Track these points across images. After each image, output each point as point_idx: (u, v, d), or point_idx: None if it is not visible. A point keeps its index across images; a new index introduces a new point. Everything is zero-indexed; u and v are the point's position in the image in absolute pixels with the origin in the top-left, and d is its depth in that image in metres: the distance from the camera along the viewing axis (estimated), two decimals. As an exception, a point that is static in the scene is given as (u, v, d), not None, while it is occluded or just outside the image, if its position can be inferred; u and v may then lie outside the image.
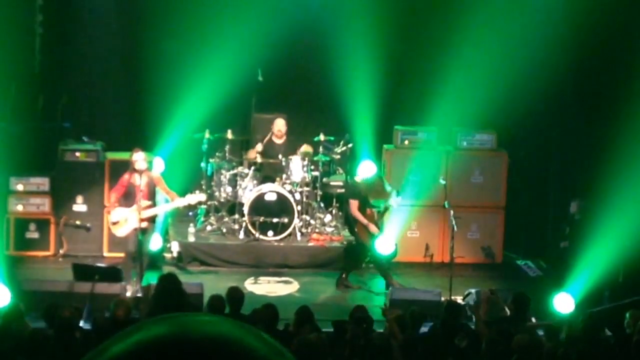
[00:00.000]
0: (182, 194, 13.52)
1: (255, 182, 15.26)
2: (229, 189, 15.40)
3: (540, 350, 9.17)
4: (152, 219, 13.23)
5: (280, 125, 15.60)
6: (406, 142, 15.60)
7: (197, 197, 13.46)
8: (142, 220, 12.99)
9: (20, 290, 11.85)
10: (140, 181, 13.02)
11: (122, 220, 13.13)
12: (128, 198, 13.12)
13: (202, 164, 15.42)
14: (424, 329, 10.45)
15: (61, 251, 14.99)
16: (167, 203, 13.53)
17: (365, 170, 14.39)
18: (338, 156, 15.73)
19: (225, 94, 15.26)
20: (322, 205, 15.65)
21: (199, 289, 12.04)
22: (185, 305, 10.78)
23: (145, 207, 13.02)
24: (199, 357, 1.19)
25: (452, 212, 13.57)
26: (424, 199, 15.20)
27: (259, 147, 15.50)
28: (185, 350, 1.19)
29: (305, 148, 15.46)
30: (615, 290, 12.98)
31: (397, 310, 10.69)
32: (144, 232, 13.04)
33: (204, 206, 15.49)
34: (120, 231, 13.23)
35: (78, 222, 15.00)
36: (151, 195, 13.14)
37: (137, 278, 12.94)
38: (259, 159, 15.36)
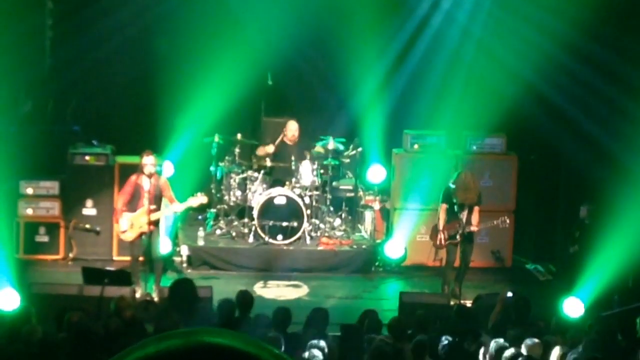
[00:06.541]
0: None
1: (264, 185, 15.25)
2: (239, 193, 15.40)
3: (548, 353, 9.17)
4: (156, 223, 13.20)
5: (293, 128, 15.57)
6: (416, 146, 15.57)
7: (199, 199, 13.39)
8: (149, 223, 12.99)
9: (30, 294, 11.87)
10: (148, 184, 13.02)
11: (129, 226, 13.13)
12: (133, 201, 13.13)
13: (212, 168, 15.42)
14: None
15: (71, 255, 15.01)
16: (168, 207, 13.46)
17: (374, 175, 14.35)
18: (348, 160, 15.73)
19: (234, 97, 15.26)
20: (331, 209, 15.64)
21: (209, 293, 12.05)
22: (197, 309, 10.83)
23: (152, 210, 13.02)
24: None
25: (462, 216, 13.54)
26: (433, 203, 15.15)
27: (271, 147, 15.46)
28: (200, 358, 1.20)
29: (318, 148, 15.46)
30: (625, 295, 12.95)
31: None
32: (150, 235, 13.04)
33: (213, 210, 15.49)
34: (128, 236, 13.23)
35: (88, 226, 15.01)
36: (157, 199, 13.12)
37: (156, 282, 13.03)
38: (268, 163, 15.35)
